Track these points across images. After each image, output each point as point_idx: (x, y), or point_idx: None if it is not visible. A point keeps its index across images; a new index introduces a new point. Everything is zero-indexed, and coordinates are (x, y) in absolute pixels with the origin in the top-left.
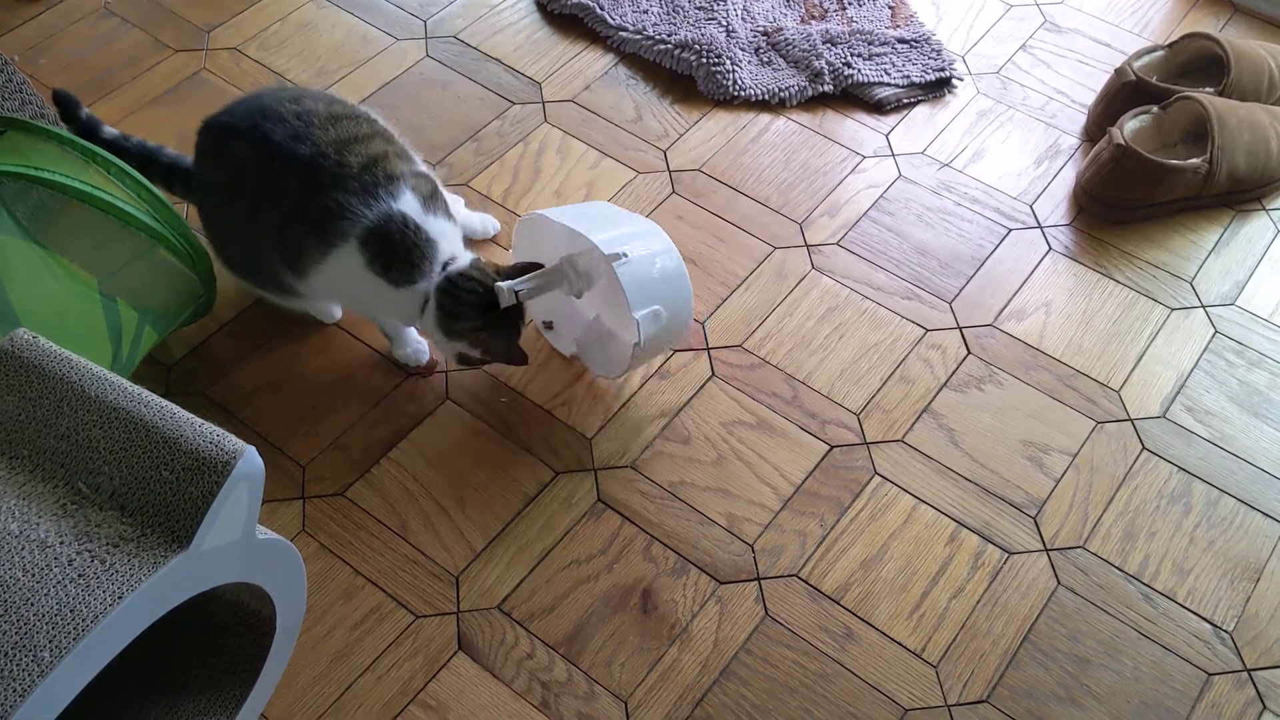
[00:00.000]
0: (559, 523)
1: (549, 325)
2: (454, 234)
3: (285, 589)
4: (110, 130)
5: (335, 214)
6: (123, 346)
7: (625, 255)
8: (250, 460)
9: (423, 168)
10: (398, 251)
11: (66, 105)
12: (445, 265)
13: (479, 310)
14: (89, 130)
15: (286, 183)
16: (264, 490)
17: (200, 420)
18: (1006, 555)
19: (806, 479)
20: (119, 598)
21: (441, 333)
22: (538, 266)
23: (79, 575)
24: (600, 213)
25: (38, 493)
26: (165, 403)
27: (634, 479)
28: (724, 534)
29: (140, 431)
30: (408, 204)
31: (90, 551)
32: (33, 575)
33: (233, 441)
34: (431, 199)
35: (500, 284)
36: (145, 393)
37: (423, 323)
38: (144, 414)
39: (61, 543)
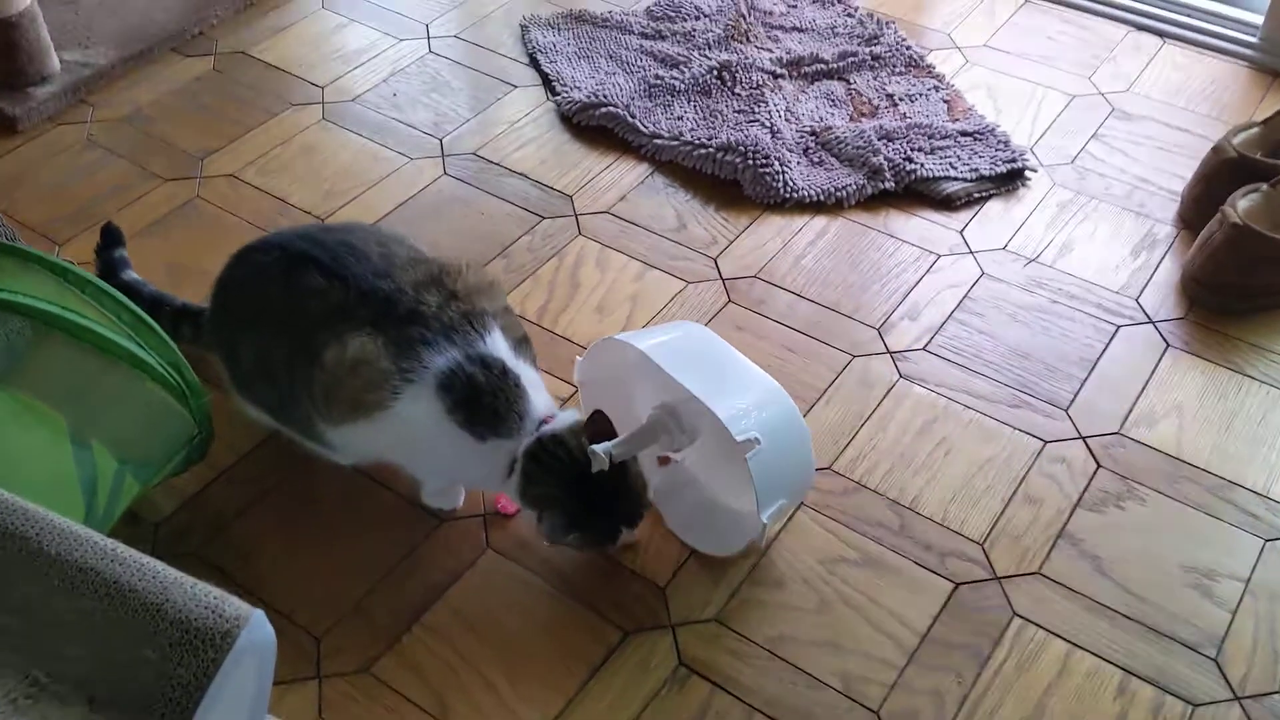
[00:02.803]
0: (634, 695)
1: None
2: (543, 388)
3: None
4: (132, 274)
5: (410, 350)
6: (98, 500)
7: (758, 441)
8: (258, 628)
9: (512, 311)
10: (483, 397)
11: (108, 238)
12: (541, 424)
13: (560, 481)
14: (110, 269)
15: (358, 315)
16: (275, 671)
17: (193, 580)
18: (1191, 708)
19: (933, 625)
20: None
21: (520, 499)
22: (607, 424)
23: None
24: (692, 348)
25: None
26: (147, 559)
27: (721, 635)
28: (841, 699)
29: (115, 598)
30: (497, 345)
31: None
32: None
33: (235, 605)
34: (522, 345)
35: (594, 446)
36: (122, 548)
37: (507, 488)
38: (120, 575)
39: None
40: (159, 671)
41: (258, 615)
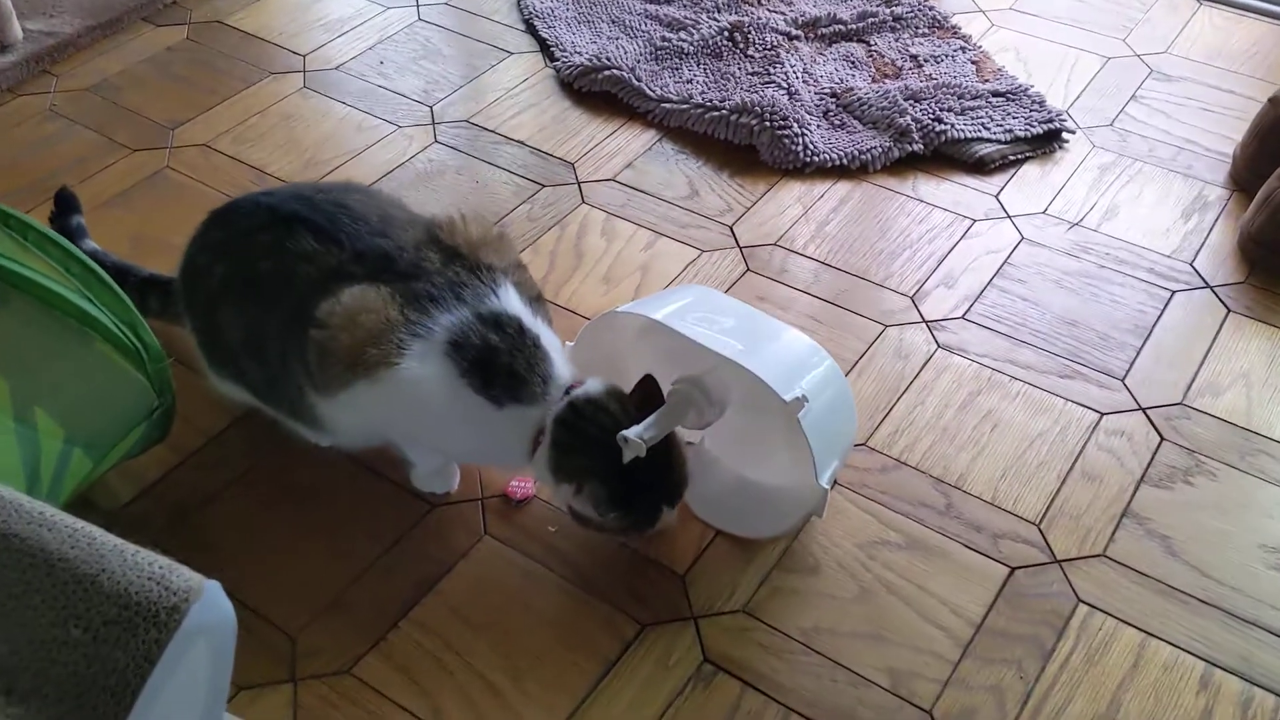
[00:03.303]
0: (654, 696)
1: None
2: (564, 354)
3: None
4: (91, 244)
5: (417, 304)
6: (41, 480)
7: (805, 399)
8: (212, 603)
9: (525, 268)
10: (500, 357)
11: (63, 205)
12: (568, 390)
13: (601, 450)
14: (66, 237)
15: (355, 274)
16: (240, 670)
17: (135, 548)
18: None
19: (988, 614)
20: None
21: (551, 474)
22: (656, 390)
23: None
24: (710, 311)
25: None
26: (81, 524)
27: (750, 627)
28: (888, 697)
29: (39, 568)
30: (512, 302)
31: None
32: None
33: (184, 576)
34: (538, 305)
35: (625, 433)
36: (51, 511)
37: (535, 464)
38: (46, 541)
39: None
40: (90, 655)
41: (211, 587)
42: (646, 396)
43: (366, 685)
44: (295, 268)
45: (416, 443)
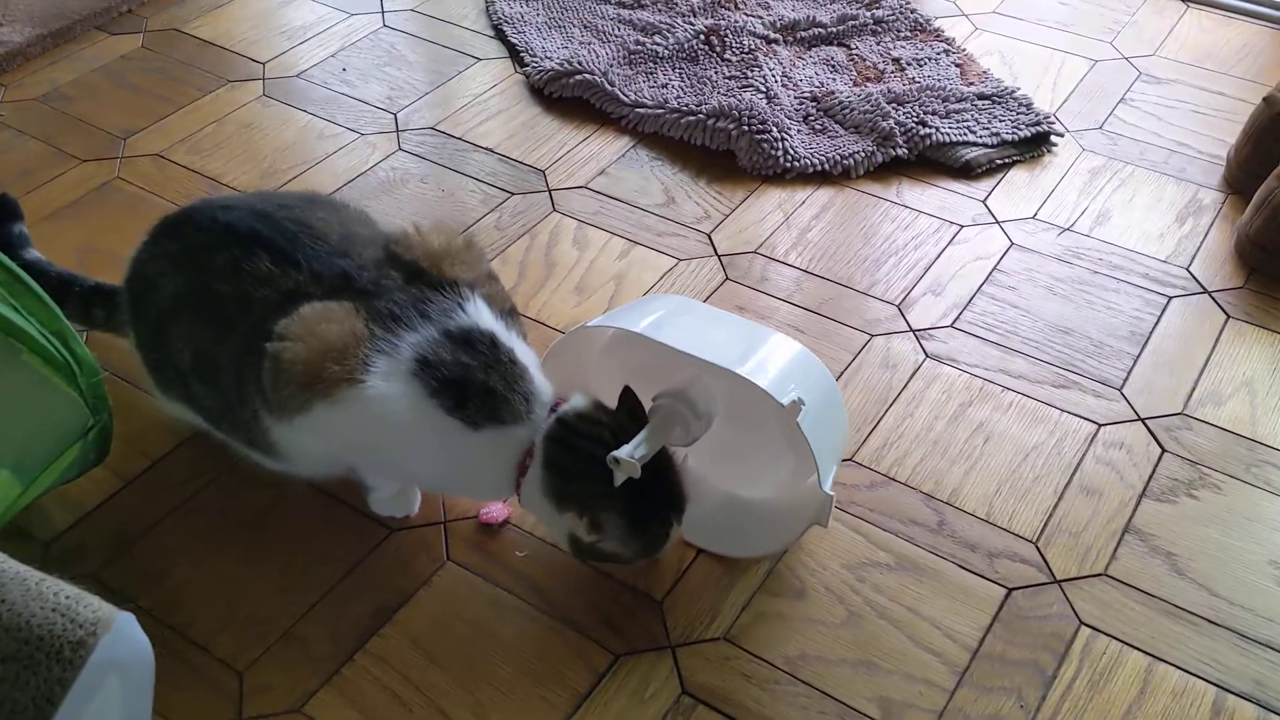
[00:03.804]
0: None
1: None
2: (541, 370)
3: None
4: (34, 253)
5: (379, 320)
6: None
7: (802, 402)
8: (124, 635)
9: (497, 279)
10: (474, 374)
11: (3, 212)
12: (554, 408)
13: (611, 476)
14: (6, 247)
15: (313, 294)
16: (180, 711)
17: (40, 575)
18: None
19: (985, 638)
20: None
21: (553, 501)
22: (639, 404)
23: None
24: (690, 319)
25: None
26: None
27: (731, 656)
28: None
29: None
30: (482, 316)
31: None
32: None
33: (93, 607)
34: (511, 318)
35: (616, 454)
36: None
37: (524, 491)
38: None
39: None
40: None
41: (123, 619)
42: (632, 410)
43: None
44: (252, 291)
45: (382, 471)
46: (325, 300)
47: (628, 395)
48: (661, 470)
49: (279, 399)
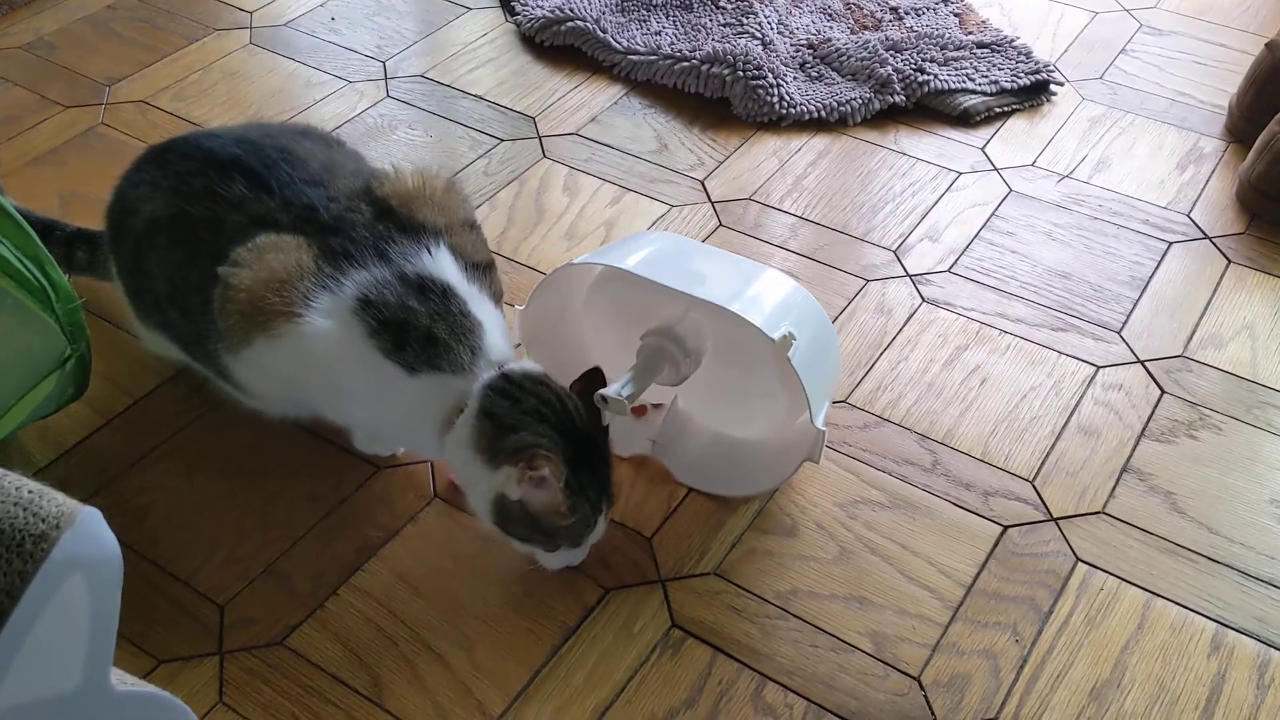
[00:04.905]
0: (617, 663)
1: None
2: (505, 333)
3: None
4: (9, 200)
5: (329, 259)
6: None
7: (793, 336)
8: (87, 532)
9: (478, 229)
10: (416, 318)
11: None
12: (501, 366)
13: (551, 428)
14: None
15: (277, 223)
16: (162, 642)
17: (3, 472)
18: None
19: (979, 574)
20: None
21: (485, 456)
22: (602, 381)
23: None
24: (678, 255)
25: None
26: None
27: (721, 590)
28: (872, 663)
29: None
30: (442, 265)
31: None
32: None
33: (56, 502)
34: (481, 273)
35: (604, 391)
36: None
37: (448, 445)
38: None
39: None
40: None
41: (87, 514)
42: (589, 386)
43: (300, 657)
44: (223, 215)
45: (331, 412)
46: (289, 231)
47: (594, 375)
48: (601, 456)
49: (225, 328)
